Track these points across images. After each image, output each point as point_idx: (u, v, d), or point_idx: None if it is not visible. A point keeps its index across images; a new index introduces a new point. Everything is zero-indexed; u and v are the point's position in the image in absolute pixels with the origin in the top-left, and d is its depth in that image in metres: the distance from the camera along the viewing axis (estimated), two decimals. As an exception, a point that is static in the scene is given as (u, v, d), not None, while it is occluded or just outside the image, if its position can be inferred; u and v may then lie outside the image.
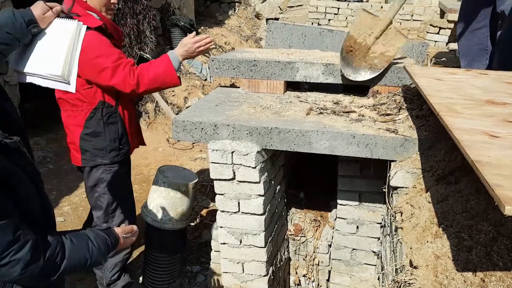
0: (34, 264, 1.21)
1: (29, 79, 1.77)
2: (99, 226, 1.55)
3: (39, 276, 1.25)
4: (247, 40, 8.88)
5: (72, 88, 1.80)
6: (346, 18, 8.63)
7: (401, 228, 1.57)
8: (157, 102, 6.28)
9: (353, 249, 2.53)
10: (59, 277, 1.33)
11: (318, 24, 8.53)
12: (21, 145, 1.26)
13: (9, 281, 1.25)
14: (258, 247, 2.26)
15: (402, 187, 1.80)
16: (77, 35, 1.81)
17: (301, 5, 9.07)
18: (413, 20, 8.09)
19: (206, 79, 7.24)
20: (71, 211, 4.06)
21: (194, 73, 7.15)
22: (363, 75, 2.29)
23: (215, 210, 2.25)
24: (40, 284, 1.32)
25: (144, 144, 2.87)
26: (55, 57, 1.76)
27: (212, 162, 2.09)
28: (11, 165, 1.18)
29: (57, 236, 1.33)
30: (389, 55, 2.25)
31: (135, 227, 1.69)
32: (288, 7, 9.28)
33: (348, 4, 8.47)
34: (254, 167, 2.04)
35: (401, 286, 1.31)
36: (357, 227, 2.47)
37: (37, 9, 1.69)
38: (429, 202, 1.56)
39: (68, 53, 1.78)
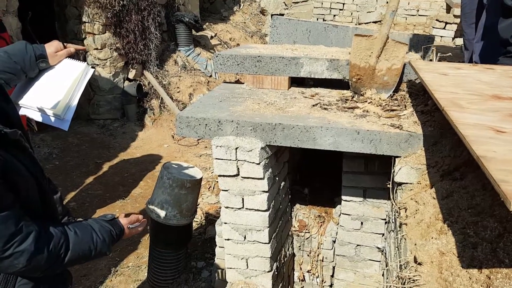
0: (38, 256, 1.22)
1: (23, 111, 1.78)
2: (104, 217, 1.56)
3: (44, 267, 1.26)
4: (252, 36, 8.86)
5: (65, 126, 1.82)
6: (351, 13, 8.59)
7: (406, 224, 1.56)
8: (162, 98, 6.29)
9: (358, 245, 2.52)
10: (63, 268, 1.34)
11: (323, 20, 8.49)
12: (22, 139, 1.26)
13: (14, 272, 1.26)
14: (262, 243, 2.26)
15: (407, 183, 1.78)
16: (83, 76, 1.84)
17: (306, 1, 9.02)
18: (419, 15, 8.04)
19: (211, 76, 7.23)
20: (77, 207, 4.08)
21: (199, 70, 7.14)
22: (381, 95, 2.25)
23: (220, 206, 2.25)
24: (45, 275, 1.33)
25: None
26: (55, 93, 1.79)
27: (216, 158, 2.08)
28: (10, 158, 1.18)
29: (61, 227, 1.33)
30: (396, 67, 2.21)
31: (141, 216, 1.69)
32: (293, 2, 9.24)
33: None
34: (258, 163, 2.03)
35: (405, 283, 1.30)
36: (362, 223, 2.46)
37: (50, 47, 1.76)
38: (434, 198, 1.55)
39: (70, 91, 1.80)
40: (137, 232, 1.68)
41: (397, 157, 1.86)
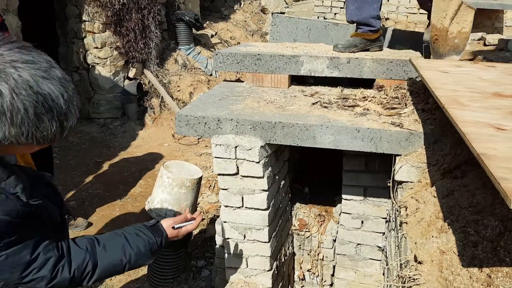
0: (60, 279, 1.24)
1: None
2: (147, 222, 1.52)
3: (69, 286, 1.27)
4: (252, 35, 8.84)
5: None
6: (352, 11, 8.55)
7: (406, 222, 1.55)
8: (162, 97, 6.28)
9: (358, 244, 2.51)
10: (96, 282, 1.34)
11: (324, 18, 8.47)
12: (50, 179, 1.30)
13: None
14: (262, 242, 2.25)
15: (407, 182, 1.77)
16: None
17: (307, -1, 9.01)
18: (420, 13, 8.01)
19: (211, 74, 7.22)
20: (76, 206, 4.07)
21: (200, 68, 7.13)
22: (452, 58, 2.24)
23: (220, 205, 2.24)
24: None
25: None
26: None
27: (215, 157, 2.07)
28: (39, 195, 1.19)
29: (88, 244, 1.32)
30: (465, 31, 2.19)
31: (188, 215, 1.62)
32: (294, 1, 9.23)
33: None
34: (258, 162, 2.03)
35: (406, 282, 1.29)
36: (362, 222, 2.45)
37: None
38: (434, 196, 1.54)
39: None
40: (187, 232, 1.60)
41: (398, 155, 1.85)
